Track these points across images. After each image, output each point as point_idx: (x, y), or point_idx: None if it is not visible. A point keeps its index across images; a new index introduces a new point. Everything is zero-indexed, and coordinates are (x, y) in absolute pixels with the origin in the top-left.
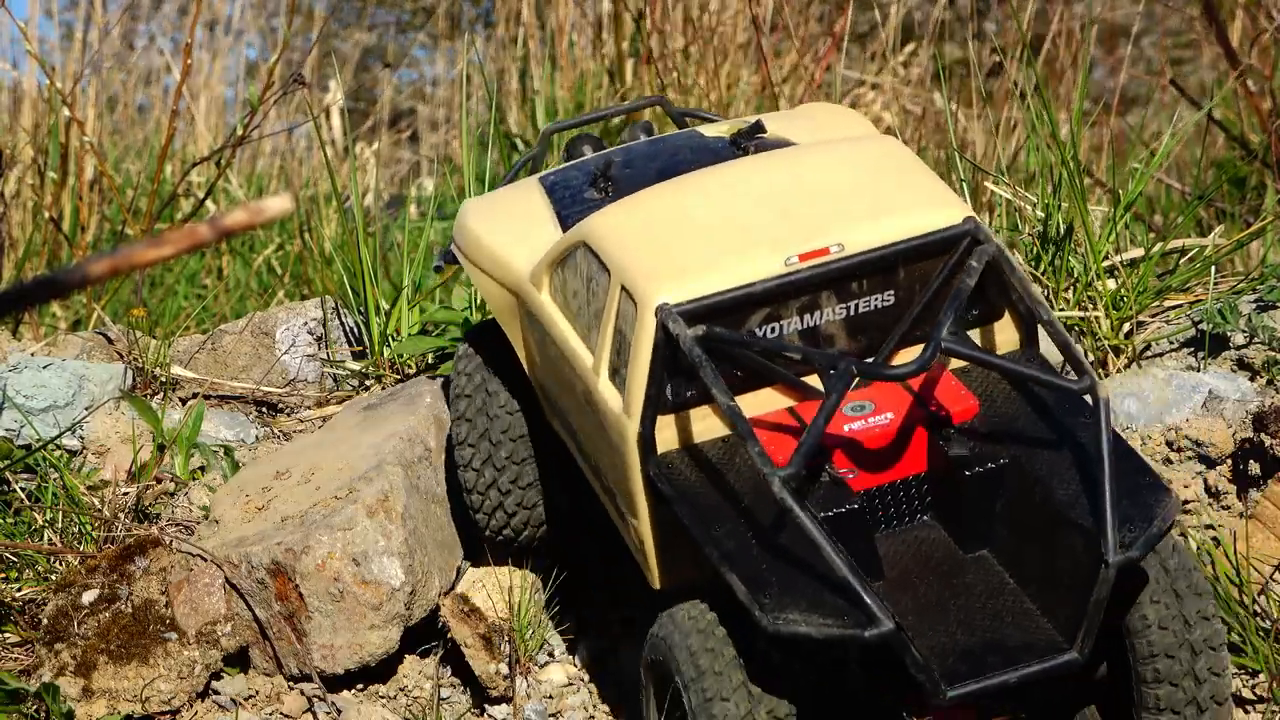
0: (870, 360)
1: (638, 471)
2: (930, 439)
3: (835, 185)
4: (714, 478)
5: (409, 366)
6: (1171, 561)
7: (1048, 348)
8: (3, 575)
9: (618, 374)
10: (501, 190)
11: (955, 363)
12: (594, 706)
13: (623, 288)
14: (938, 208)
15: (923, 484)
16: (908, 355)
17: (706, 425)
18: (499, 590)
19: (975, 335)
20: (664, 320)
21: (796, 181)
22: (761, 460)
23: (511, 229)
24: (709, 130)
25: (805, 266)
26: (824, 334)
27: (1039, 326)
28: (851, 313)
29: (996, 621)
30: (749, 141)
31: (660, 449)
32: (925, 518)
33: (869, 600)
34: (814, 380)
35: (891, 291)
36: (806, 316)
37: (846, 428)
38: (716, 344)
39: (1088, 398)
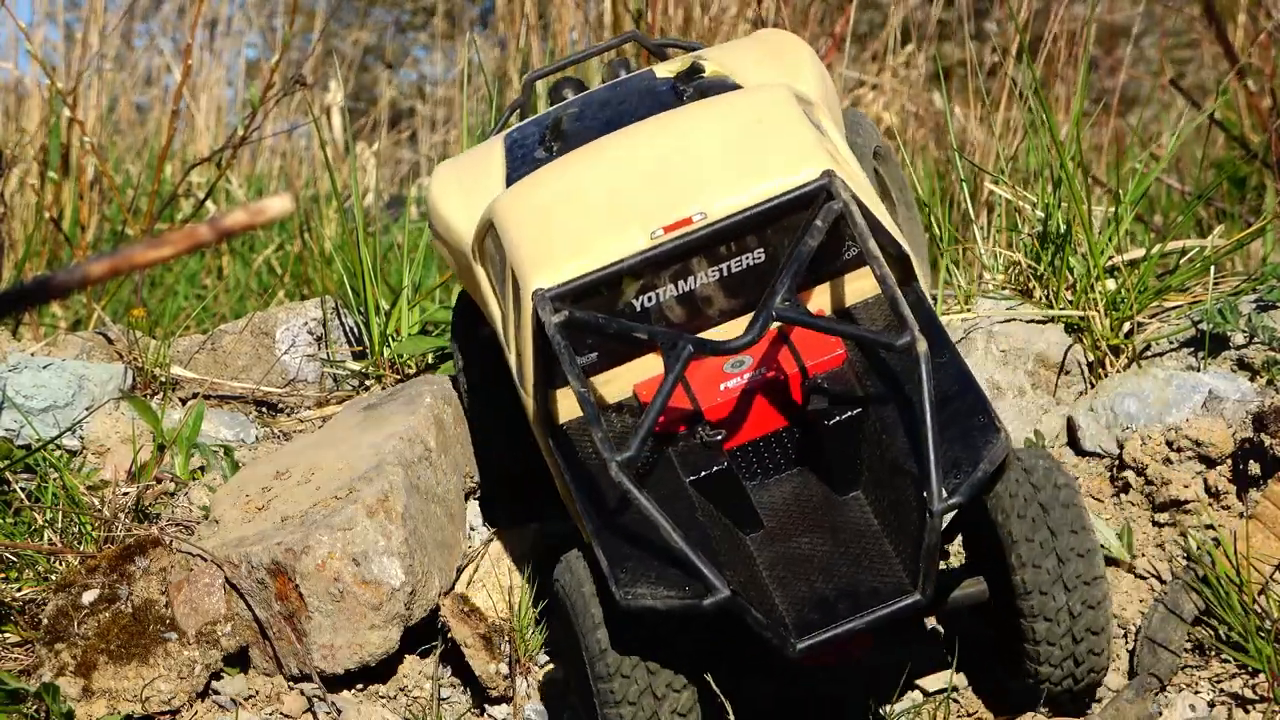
0: (712, 335)
1: (544, 445)
2: (802, 391)
3: (707, 149)
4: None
5: (409, 366)
6: (1037, 476)
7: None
8: (3, 575)
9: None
10: (470, 151)
11: (830, 307)
12: None
13: (513, 273)
14: (798, 165)
15: (797, 435)
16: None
17: (609, 390)
18: (499, 590)
19: (856, 276)
20: (536, 306)
21: (674, 147)
22: (603, 446)
23: (465, 193)
24: (661, 70)
25: (670, 238)
26: (700, 296)
27: (914, 267)
28: (725, 274)
29: (855, 567)
30: (688, 85)
31: (566, 418)
32: (801, 467)
33: (706, 571)
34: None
35: (761, 249)
36: (680, 282)
37: (722, 386)
38: (579, 326)
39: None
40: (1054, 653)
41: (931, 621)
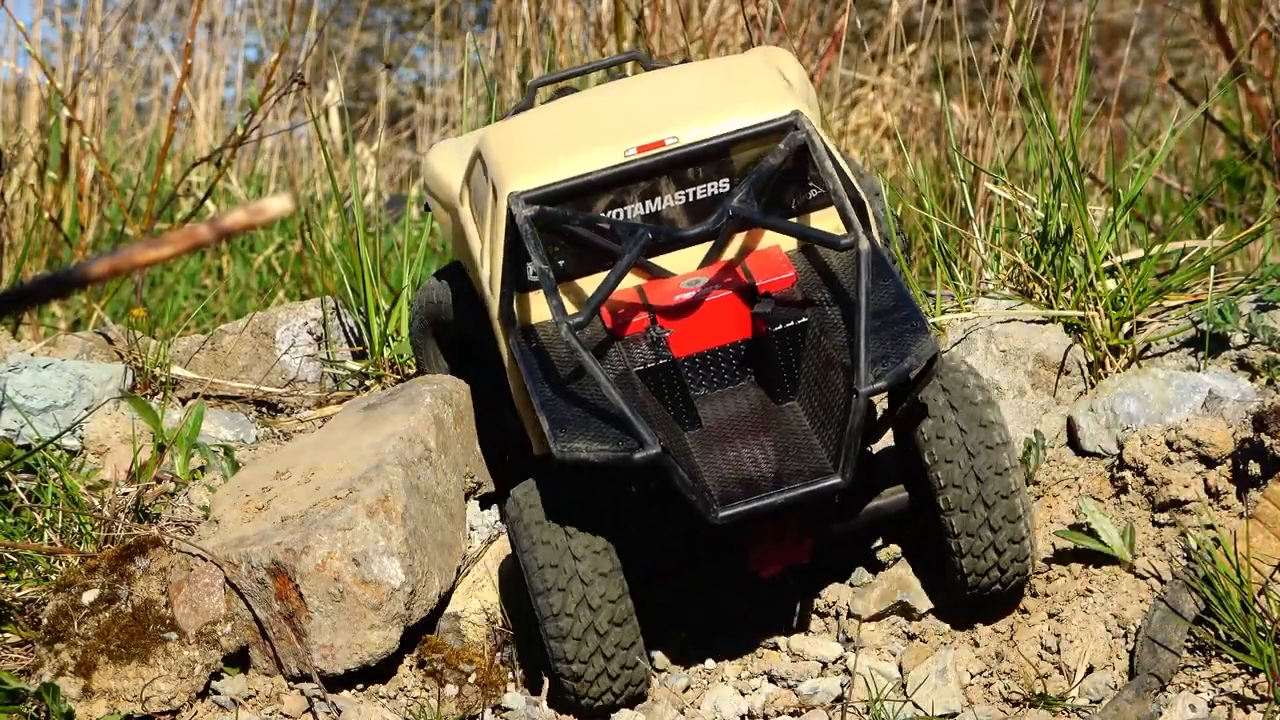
0: (671, 260)
1: (504, 345)
2: (756, 325)
3: (685, 92)
4: (557, 345)
5: (409, 366)
6: (959, 398)
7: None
8: (3, 575)
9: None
10: (468, 134)
11: (790, 243)
12: None
13: (493, 185)
14: (768, 104)
15: (744, 349)
16: (756, 237)
17: (574, 301)
18: (499, 590)
19: (819, 218)
20: (510, 204)
21: (653, 92)
22: (555, 312)
23: (459, 158)
24: None
25: (642, 156)
26: (665, 218)
27: (867, 210)
28: (690, 199)
29: (782, 455)
30: None
31: (532, 321)
32: (746, 380)
33: (639, 427)
34: (661, 261)
35: (726, 179)
36: (648, 202)
37: (676, 298)
38: (548, 221)
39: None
40: (975, 544)
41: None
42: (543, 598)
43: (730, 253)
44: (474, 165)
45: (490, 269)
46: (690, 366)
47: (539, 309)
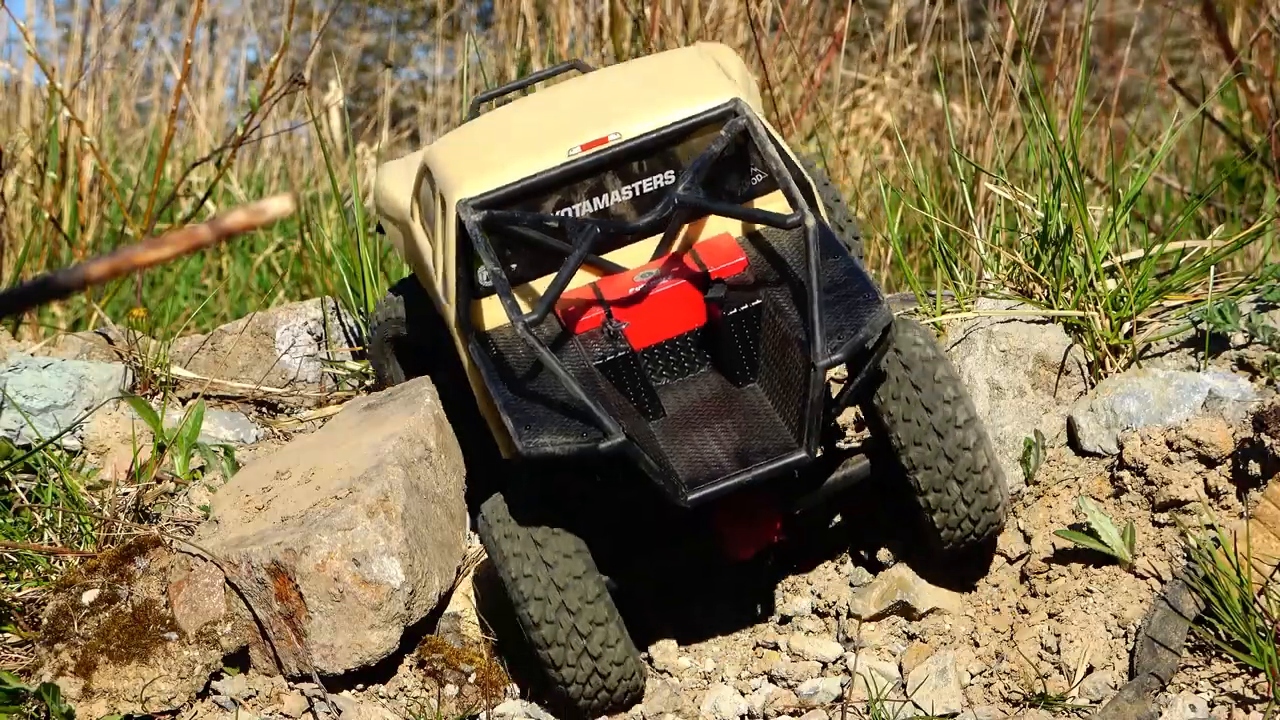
0: (623, 255)
1: (463, 352)
2: (710, 310)
3: (625, 89)
4: (516, 347)
5: None
6: (910, 358)
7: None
8: (3, 575)
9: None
10: (412, 154)
11: (739, 230)
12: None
13: (441, 196)
14: (708, 94)
15: (701, 337)
16: (695, 227)
17: (526, 303)
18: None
19: (763, 202)
20: (459, 212)
21: (594, 91)
22: (510, 312)
23: (407, 175)
24: None
25: (586, 155)
26: (613, 214)
27: (813, 191)
28: (637, 193)
29: (746, 435)
30: None
31: (488, 327)
32: (705, 366)
33: (603, 417)
34: (613, 256)
35: (671, 171)
36: (596, 199)
37: (630, 291)
38: (497, 224)
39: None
40: (943, 499)
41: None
42: (522, 608)
43: (680, 243)
44: (421, 180)
45: (444, 278)
46: (649, 357)
47: (495, 314)
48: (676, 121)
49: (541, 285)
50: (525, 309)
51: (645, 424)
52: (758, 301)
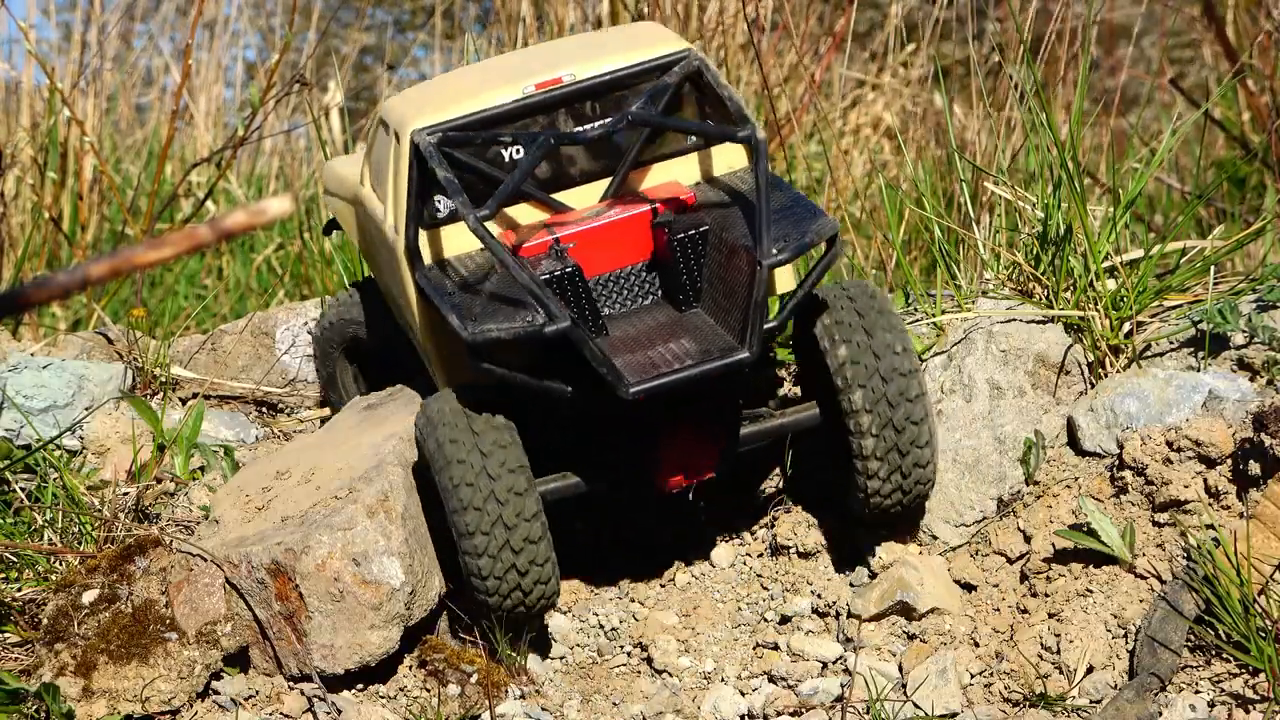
0: (573, 195)
1: (409, 280)
2: (656, 234)
3: (581, 43)
4: (465, 269)
5: None
6: (861, 303)
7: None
8: (3, 575)
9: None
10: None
11: (687, 181)
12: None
13: (395, 133)
14: (662, 44)
15: (650, 271)
16: (644, 175)
17: (473, 237)
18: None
19: (703, 156)
20: (414, 140)
21: (553, 48)
22: (463, 205)
23: (355, 160)
24: None
25: (540, 93)
26: (564, 155)
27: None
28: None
29: (690, 342)
30: None
31: (436, 257)
32: (651, 299)
33: (550, 303)
34: (563, 196)
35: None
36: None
37: (579, 224)
38: (453, 143)
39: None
40: (882, 467)
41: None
42: (458, 515)
43: (629, 187)
44: (375, 136)
45: (395, 211)
46: (597, 287)
47: (444, 245)
48: (631, 65)
49: (497, 218)
50: (473, 246)
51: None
52: (705, 226)
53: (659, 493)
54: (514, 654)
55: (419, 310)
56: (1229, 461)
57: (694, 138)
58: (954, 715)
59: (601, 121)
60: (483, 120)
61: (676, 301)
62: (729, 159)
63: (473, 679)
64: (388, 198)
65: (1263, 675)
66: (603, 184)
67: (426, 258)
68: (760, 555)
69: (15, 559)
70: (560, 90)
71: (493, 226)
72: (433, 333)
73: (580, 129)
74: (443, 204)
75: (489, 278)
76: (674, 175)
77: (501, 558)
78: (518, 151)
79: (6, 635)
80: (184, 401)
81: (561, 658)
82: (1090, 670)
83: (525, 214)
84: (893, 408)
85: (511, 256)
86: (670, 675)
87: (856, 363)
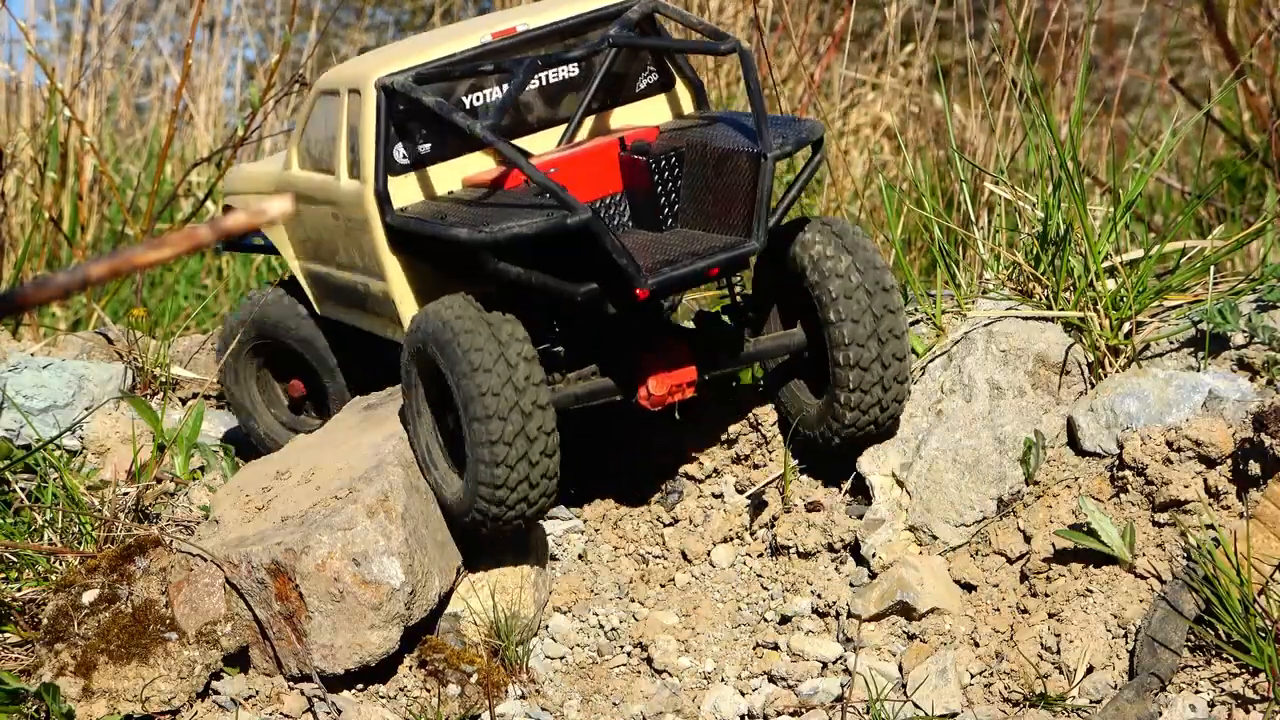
0: (531, 142)
1: (378, 224)
2: (627, 163)
3: (538, 5)
4: (438, 205)
5: None
6: (838, 228)
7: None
8: (3, 575)
9: (355, 163)
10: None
11: (662, 118)
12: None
13: (349, 90)
14: None
15: (620, 199)
16: (597, 122)
17: (440, 184)
18: (499, 591)
19: (658, 100)
20: (380, 86)
21: (511, 10)
22: (461, 119)
23: (274, 161)
24: None
25: (496, 42)
26: (521, 102)
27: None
28: (543, 83)
29: (692, 243)
30: None
31: (399, 204)
32: (625, 228)
33: (567, 197)
34: (522, 142)
35: (576, 65)
36: (505, 87)
37: (553, 158)
38: (431, 79)
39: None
40: (865, 399)
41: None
42: (481, 424)
43: (595, 128)
44: (312, 112)
45: (350, 168)
46: None
47: (410, 192)
48: (586, 12)
49: (450, 169)
50: (437, 190)
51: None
52: (680, 146)
53: (640, 408)
54: (515, 650)
55: (387, 256)
56: (1229, 461)
57: (643, 84)
58: (954, 715)
59: (582, 47)
60: (443, 65)
61: (653, 225)
62: (676, 106)
63: (473, 679)
64: (339, 162)
65: (1263, 675)
66: (558, 131)
67: (399, 202)
68: (760, 555)
69: (15, 559)
70: (517, 38)
71: (461, 169)
72: (402, 276)
73: (563, 51)
74: (405, 153)
75: (473, 202)
76: (626, 121)
77: (519, 469)
78: (478, 99)
79: (6, 635)
80: (184, 401)
81: (561, 658)
82: (1090, 670)
83: (483, 160)
84: (878, 320)
85: (523, 159)
86: (670, 675)
87: (841, 277)
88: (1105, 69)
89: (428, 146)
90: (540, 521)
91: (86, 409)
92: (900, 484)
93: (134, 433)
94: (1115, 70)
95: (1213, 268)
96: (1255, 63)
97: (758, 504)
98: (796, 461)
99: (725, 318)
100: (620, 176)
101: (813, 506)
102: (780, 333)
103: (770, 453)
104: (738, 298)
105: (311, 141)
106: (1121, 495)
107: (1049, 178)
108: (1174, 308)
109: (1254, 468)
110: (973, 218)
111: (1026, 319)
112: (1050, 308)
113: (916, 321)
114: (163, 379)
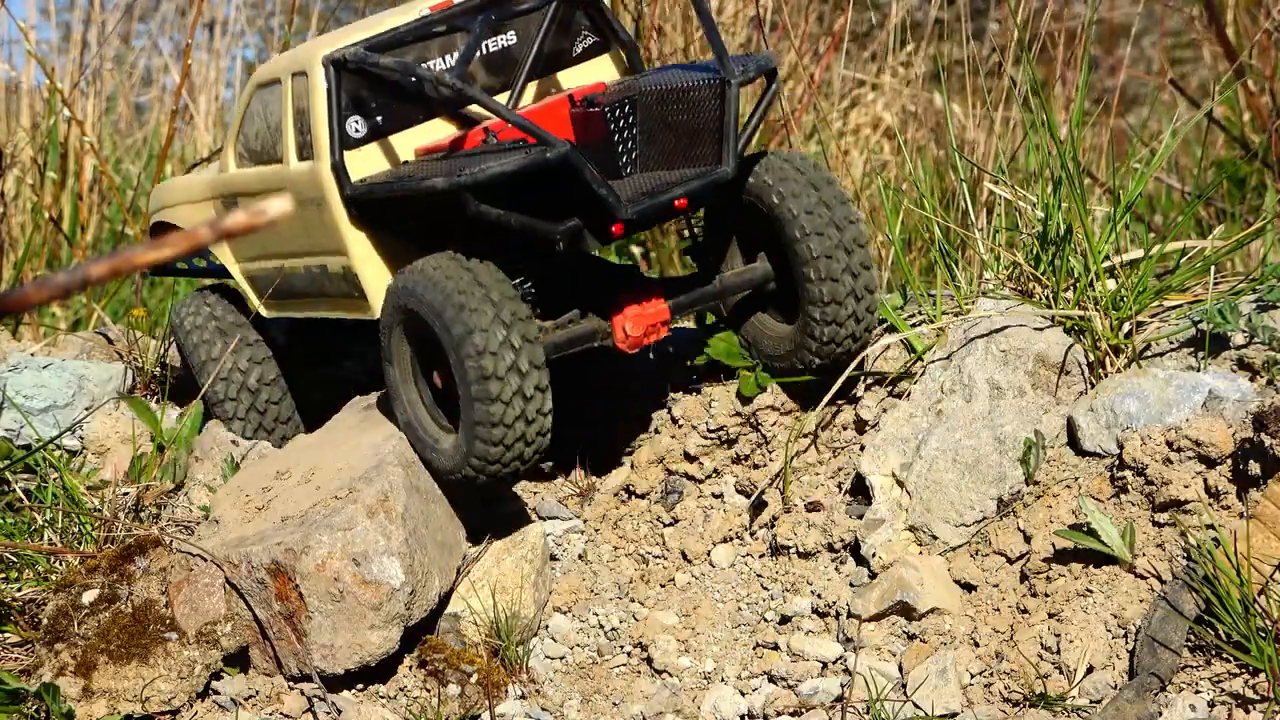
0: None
1: (337, 199)
2: (579, 118)
3: None
4: (401, 169)
5: None
6: (798, 163)
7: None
8: (3, 575)
9: (304, 145)
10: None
11: (604, 78)
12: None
13: (293, 74)
14: None
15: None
16: (539, 87)
17: (393, 154)
18: (499, 591)
19: (595, 64)
20: (330, 61)
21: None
22: (423, 72)
23: (207, 170)
24: None
25: (436, 14)
26: (466, 73)
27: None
28: (483, 53)
29: (661, 180)
30: None
31: (356, 176)
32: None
33: (543, 133)
34: (473, 111)
35: (513, 33)
36: (447, 56)
37: (518, 112)
38: (384, 48)
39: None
40: (840, 312)
41: None
42: (479, 385)
43: (543, 90)
44: (249, 108)
45: (315, 135)
46: None
47: (365, 165)
48: None
49: (403, 139)
50: (396, 161)
51: None
52: (632, 93)
53: (618, 348)
54: (515, 650)
55: (349, 229)
56: (1229, 461)
57: (579, 48)
58: (954, 715)
59: (498, 69)
60: (387, 39)
61: (614, 173)
62: (613, 67)
63: (473, 679)
64: (286, 148)
65: (1263, 675)
66: (502, 98)
67: (354, 174)
68: (760, 555)
69: (15, 559)
70: (455, 8)
71: (406, 138)
72: (365, 251)
73: (517, 6)
74: (358, 126)
75: (439, 159)
76: (568, 85)
77: (515, 427)
78: (429, 68)
79: (6, 635)
80: (183, 402)
81: (561, 658)
82: (1090, 670)
83: (435, 129)
84: (841, 231)
85: (497, 103)
86: (670, 675)
87: (811, 213)
88: (1105, 69)
89: (380, 119)
90: (540, 521)
91: (86, 409)
92: (900, 484)
93: (134, 433)
94: (1115, 70)
95: (1213, 268)
96: (1255, 63)
97: (757, 503)
98: (796, 462)
99: (689, 258)
100: (574, 131)
101: (813, 506)
102: (744, 268)
103: (770, 453)
104: (697, 237)
105: (250, 138)
106: (1121, 495)
107: (1049, 178)
108: (1174, 308)
109: (1254, 468)
110: (972, 218)
111: (1026, 319)
112: (1050, 308)
113: (916, 322)
114: (163, 379)
